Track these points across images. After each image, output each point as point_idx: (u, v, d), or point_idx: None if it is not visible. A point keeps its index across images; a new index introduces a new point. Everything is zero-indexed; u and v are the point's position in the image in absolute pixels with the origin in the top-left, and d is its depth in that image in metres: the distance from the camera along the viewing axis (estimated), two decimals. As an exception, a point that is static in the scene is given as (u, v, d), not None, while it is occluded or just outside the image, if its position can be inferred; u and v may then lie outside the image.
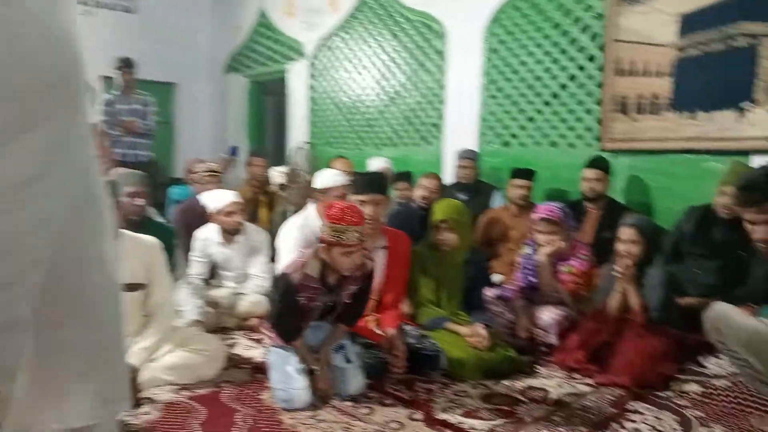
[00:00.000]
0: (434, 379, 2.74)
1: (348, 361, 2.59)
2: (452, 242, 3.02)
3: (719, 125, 3.62)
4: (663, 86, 3.89)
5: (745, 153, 3.52)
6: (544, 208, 3.29)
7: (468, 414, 2.41)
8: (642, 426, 2.30)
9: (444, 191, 4.44)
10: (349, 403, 2.50)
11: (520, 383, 2.72)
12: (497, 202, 4.51)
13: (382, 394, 2.60)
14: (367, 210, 2.78)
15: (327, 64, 6.41)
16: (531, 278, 3.34)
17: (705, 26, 3.67)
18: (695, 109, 3.74)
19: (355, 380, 2.53)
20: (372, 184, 2.89)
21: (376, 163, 4.81)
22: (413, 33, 5.53)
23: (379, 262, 2.91)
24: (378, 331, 2.84)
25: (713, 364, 2.81)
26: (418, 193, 4.29)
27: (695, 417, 2.36)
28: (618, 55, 4.07)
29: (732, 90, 3.56)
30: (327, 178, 3.32)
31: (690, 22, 3.73)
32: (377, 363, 2.69)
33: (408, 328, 2.91)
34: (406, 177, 4.64)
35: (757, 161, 3.45)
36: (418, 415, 2.40)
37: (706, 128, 3.69)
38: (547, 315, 3.14)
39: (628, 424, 2.31)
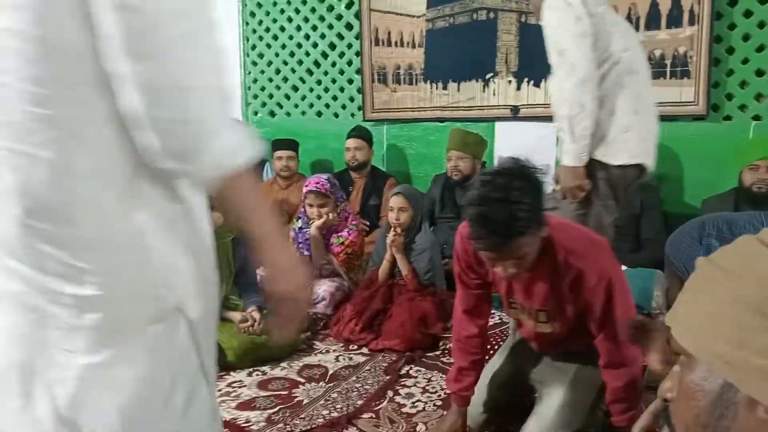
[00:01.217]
0: (206, 372, 2.54)
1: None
2: (216, 221, 2.81)
3: (467, 95, 3.89)
4: (417, 57, 4.05)
5: (492, 120, 3.83)
6: (313, 181, 3.23)
7: (242, 406, 2.28)
8: (414, 390, 2.39)
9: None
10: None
11: (298, 363, 2.66)
12: (268, 174, 4.36)
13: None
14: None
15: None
16: (304, 251, 3.28)
17: (451, -1, 3.88)
18: (446, 79, 3.96)
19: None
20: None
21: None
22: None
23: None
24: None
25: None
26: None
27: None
28: (374, 24, 4.13)
29: (477, 61, 3.82)
30: None
31: (437, -6, 3.91)
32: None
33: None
34: None
35: (500, 128, 3.79)
36: (190, 416, 2.20)
37: (456, 98, 3.94)
38: (322, 288, 3.12)
39: (402, 390, 2.39)
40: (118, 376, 0.89)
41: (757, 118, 3.16)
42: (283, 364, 2.64)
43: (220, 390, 2.41)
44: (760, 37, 3.11)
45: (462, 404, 1.99)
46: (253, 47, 4.68)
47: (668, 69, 3.25)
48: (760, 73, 3.14)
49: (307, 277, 0.96)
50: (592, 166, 2.22)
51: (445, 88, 3.98)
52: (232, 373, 2.56)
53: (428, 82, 4.03)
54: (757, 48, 3.12)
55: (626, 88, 2.22)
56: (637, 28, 3.28)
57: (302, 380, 2.49)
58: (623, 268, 3.02)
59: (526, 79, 3.69)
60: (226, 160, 0.87)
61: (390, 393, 2.36)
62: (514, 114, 3.74)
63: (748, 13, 3.12)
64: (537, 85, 3.64)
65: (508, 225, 1.46)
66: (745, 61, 3.16)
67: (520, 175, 1.51)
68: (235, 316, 2.71)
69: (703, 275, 0.65)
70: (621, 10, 3.30)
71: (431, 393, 2.36)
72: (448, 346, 2.78)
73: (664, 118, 3.30)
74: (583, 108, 2.12)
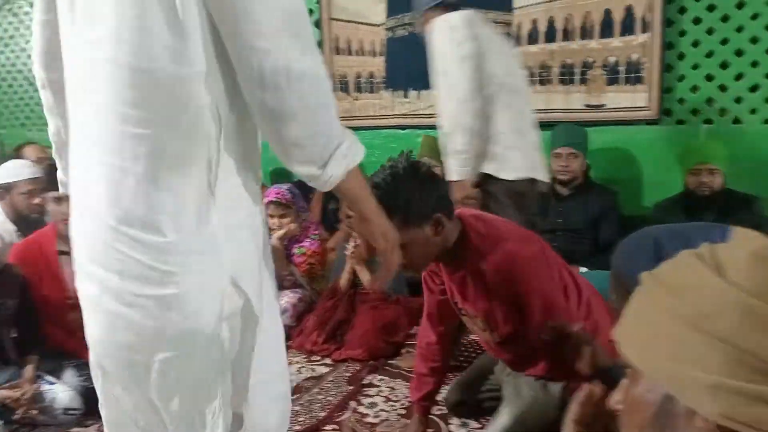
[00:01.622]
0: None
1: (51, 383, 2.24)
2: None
3: (428, 102, 3.90)
4: (378, 65, 4.05)
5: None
6: (273, 191, 3.20)
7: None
8: (377, 399, 2.37)
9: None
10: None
11: (260, 376, 2.62)
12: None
13: (104, 417, 2.27)
14: (66, 209, 2.37)
15: (12, 31, 5.42)
16: (265, 263, 3.23)
17: (410, 7, 3.88)
18: (407, 87, 3.97)
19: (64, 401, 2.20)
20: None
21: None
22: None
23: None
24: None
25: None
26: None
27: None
28: (335, 33, 4.12)
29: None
30: (9, 170, 2.77)
31: (395, 2, 3.92)
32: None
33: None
34: None
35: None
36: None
37: (417, 105, 3.95)
38: (284, 300, 3.08)
39: (365, 400, 2.37)
40: (196, 367, 1.02)
41: (708, 121, 3.25)
42: (245, 378, 2.59)
43: (179, 406, 2.36)
44: (709, 43, 3.19)
45: (422, 413, 1.98)
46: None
47: (622, 75, 3.31)
48: (710, 78, 3.22)
49: (397, 241, 1.16)
50: (486, 180, 2.28)
51: (406, 96, 3.99)
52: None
53: (389, 90, 4.03)
54: (706, 54, 3.21)
55: (510, 107, 2.32)
56: (591, 36, 3.35)
57: (264, 394, 2.45)
58: (583, 270, 3.08)
59: (485, 86, 3.72)
60: (346, 162, 1.03)
61: (353, 403, 2.34)
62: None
63: (697, 20, 3.20)
64: (496, 91, 3.67)
65: (393, 200, 1.50)
66: (696, 67, 3.24)
67: (408, 170, 1.57)
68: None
69: (646, 290, 0.67)
70: (576, 19, 3.36)
71: (394, 402, 2.34)
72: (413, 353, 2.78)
73: (618, 122, 3.40)
74: (461, 127, 2.18)
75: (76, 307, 2.49)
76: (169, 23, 0.91)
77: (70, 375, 2.33)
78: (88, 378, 2.27)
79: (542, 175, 2.34)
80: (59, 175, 1.35)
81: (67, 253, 2.45)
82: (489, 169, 2.29)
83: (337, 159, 1.01)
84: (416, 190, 1.55)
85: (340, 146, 1.02)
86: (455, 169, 2.24)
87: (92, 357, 1.06)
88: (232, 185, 1.04)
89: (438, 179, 1.65)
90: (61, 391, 2.26)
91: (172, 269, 0.97)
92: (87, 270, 1.01)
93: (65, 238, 2.47)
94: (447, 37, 2.24)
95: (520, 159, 2.28)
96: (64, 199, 2.39)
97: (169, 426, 1.05)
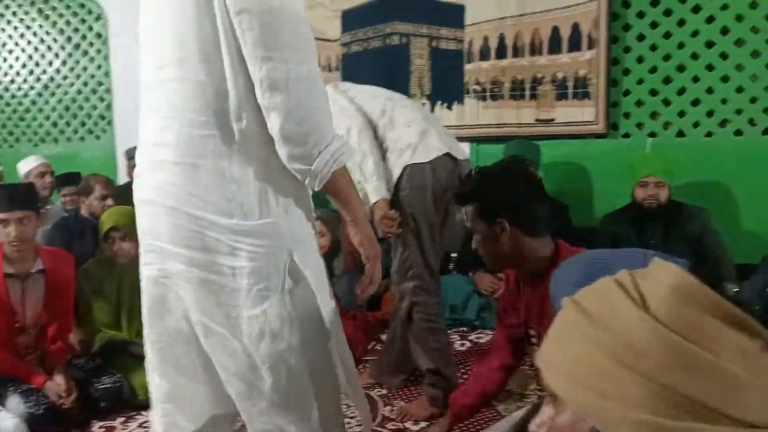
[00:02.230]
0: (117, 413, 2.43)
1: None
2: (129, 252, 2.70)
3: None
4: (334, 80, 4.06)
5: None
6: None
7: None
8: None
9: (122, 193, 3.98)
10: (6, 468, 2.07)
11: (215, 396, 2.58)
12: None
13: (52, 445, 2.21)
14: (11, 230, 2.31)
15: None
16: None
17: (363, 24, 3.92)
18: (362, 101, 3.99)
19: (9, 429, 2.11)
20: (13, 198, 2.39)
21: (26, 165, 4.01)
22: (67, 14, 4.84)
23: (37, 288, 2.46)
24: (39, 371, 2.40)
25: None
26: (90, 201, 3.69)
27: (379, 396, 2.53)
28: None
29: (392, 85, 3.86)
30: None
31: (350, 19, 3.95)
32: (43, 410, 2.27)
33: (80, 361, 2.55)
34: (73, 180, 3.97)
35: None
36: (97, 461, 2.10)
37: (372, 119, 3.97)
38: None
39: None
40: (271, 322, 1.23)
41: (653, 134, 3.36)
42: (200, 399, 2.55)
43: (130, 431, 2.31)
44: (653, 59, 3.31)
45: (452, 420, 1.97)
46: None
47: (570, 90, 3.40)
48: (654, 92, 3.34)
49: (379, 250, 1.34)
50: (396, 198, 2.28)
51: (361, 110, 4.00)
52: (143, 412, 2.45)
53: (344, 104, 4.05)
54: (650, 69, 3.33)
55: (406, 106, 2.42)
56: (540, 53, 3.43)
57: (219, 415, 2.42)
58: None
59: (439, 102, 3.77)
60: (334, 161, 1.19)
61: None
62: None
63: (641, 37, 3.32)
64: (449, 107, 3.73)
65: (473, 189, 1.64)
66: (640, 82, 3.36)
67: (514, 173, 1.68)
68: (147, 352, 2.61)
69: (568, 318, 0.66)
70: (525, 36, 3.44)
71: (350, 418, 2.34)
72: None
73: (568, 136, 3.49)
74: (364, 153, 2.23)
75: (22, 330, 2.42)
76: (214, 54, 1.17)
77: (15, 402, 2.26)
78: (35, 404, 2.23)
79: (461, 154, 2.37)
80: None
81: (14, 276, 2.40)
82: (406, 159, 2.26)
83: (325, 157, 1.17)
84: (497, 188, 1.62)
85: (329, 146, 1.18)
86: (372, 192, 2.25)
87: (194, 318, 1.26)
88: (287, 178, 1.24)
89: (526, 187, 1.66)
90: (5, 419, 2.19)
91: (241, 246, 1.19)
92: (172, 252, 1.22)
93: (11, 261, 2.40)
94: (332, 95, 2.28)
95: (436, 139, 2.28)
96: (10, 222, 2.33)
97: (260, 367, 1.24)
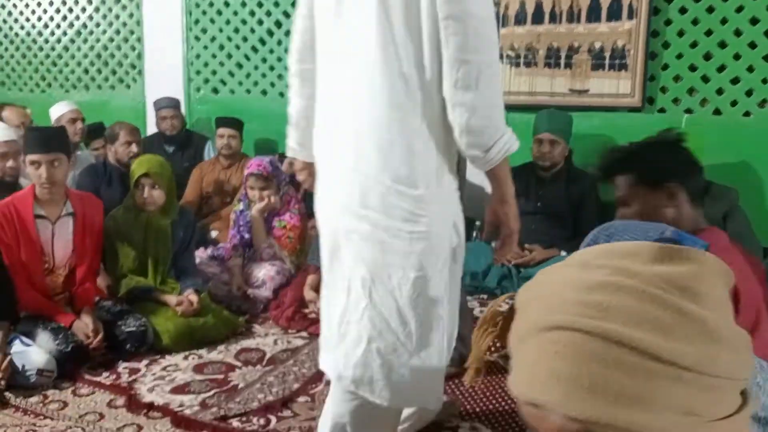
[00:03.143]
0: (141, 356, 2.50)
1: (26, 345, 2.25)
2: (158, 200, 2.74)
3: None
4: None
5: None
6: (255, 163, 3.19)
7: (176, 390, 2.25)
8: (351, 373, 2.41)
9: (148, 144, 4.03)
10: (34, 399, 2.15)
11: (236, 346, 2.65)
12: (210, 153, 4.26)
13: (79, 383, 2.29)
14: (42, 172, 2.36)
15: (-9, -14, 5.27)
16: (245, 234, 3.24)
17: None
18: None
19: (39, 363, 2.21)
20: (45, 140, 2.43)
21: (58, 110, 4.05)
22: (101, -42, 4.82)
23: (66, 231, 2.51)
24: (67, 311, 2.48)
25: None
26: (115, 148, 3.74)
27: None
28: (322, 4, 4.07)
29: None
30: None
31: None
32: (71, 348, 2.35)
33: (106, 303, 2.62)
34: (98, 131, 4.01)
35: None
36: (120, 400, 2.17)
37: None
38: (262, 272, 3.09)
39: (340, 373, 2.40)
40: (433, 283, 1.44)
41: (689, 111, 3.29)
42: (221, 348, 2.62)
43: (154, 374, 2.38)
44: (694, 34, 3.22)
45: None
46: (197, 21, 4.55)
47: (607, 61, 3.33)
48: (693, 68, 3.25)
49: (518, 219, 1.51)
50: None
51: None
52: (167, 356, 2.52)
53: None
54: (690, 44, 3.23)
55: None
56: (578, 20, 3.35)
57: (239, 364, 2.48)
58: (562, 253, 3.12)
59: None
60: (505, 151, 1.40)
61: (326, 376, 2.37)
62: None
63: (683, 10, 3.22)
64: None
65: (629, 156, 1.61)
66: (680, 56, 3.27)
67: (675, 140, 1.61)
68: (171, 299, 2.67)
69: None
70: (563, 2, 3.36)
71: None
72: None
73: (602, 108, 3.43)
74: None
75: (51, 270, 2.49)
76: (414, 44, 1.38)
77: (45, 338, 2.33)
78: (63, 342, 2.30)
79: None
80: (291, 143, 1.73)
81: (44, 217, 2.45)
82: None
83: (498, 147, 1.39)
84: (660, 153, 1.57)
85: (503, 137, 1.39)
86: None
87: (365, 274, 1.44)
88: (453, 156, 1.49)
89: (690, 153, 1.61)
90: (35, 353, 2.27)
91: (422, 213, 1.41)
92: (359, 213, 1.42)
93: (42, 203, 2.46)
94: None
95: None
96: (42, 163, 2.37)
97: (412, 328, 1.44)
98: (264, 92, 4.45)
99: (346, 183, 1.45)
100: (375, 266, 1.43)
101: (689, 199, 1.55)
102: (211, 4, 4.47)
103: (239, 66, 4.49)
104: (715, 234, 1.53)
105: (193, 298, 2.67)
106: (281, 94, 4.38)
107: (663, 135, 1.63)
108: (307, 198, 3.74)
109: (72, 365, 2.34)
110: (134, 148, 3.41)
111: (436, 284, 1.45)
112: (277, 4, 4.27)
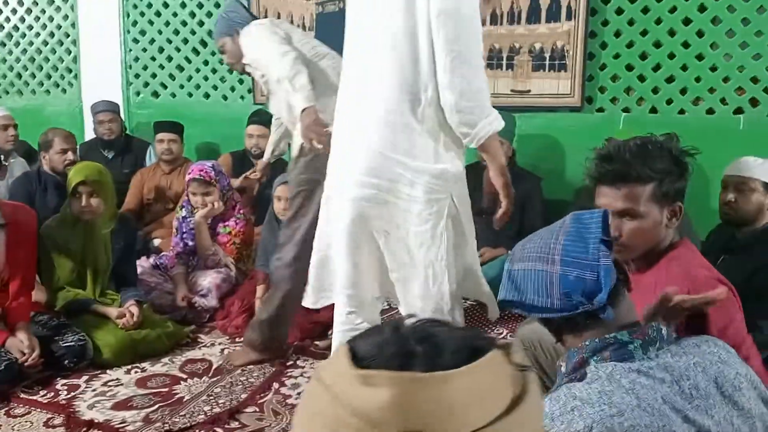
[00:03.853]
0: (81, 372, 2.41)
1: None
2: (97, 209, 2.63)
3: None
4: (308, 40, 3.98)
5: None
6: (196, 168, 3.11)
7: (118, 406, 2.18)
8: (301, 380, 2.38)
9: (86, 150, 3.89)
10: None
11: (181, 357, 2.58)
12: (152, 159, 4.13)
13: (13, 402, 2.19)
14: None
15: None
16: (189, 242, 3.16)
17: (341, -17, 3.83)
18: (338, 64, 3.93)
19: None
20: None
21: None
22: (31, -42, 4.63)
23: (-3, 244, 2.40)
24: (1, 328, 2.36)
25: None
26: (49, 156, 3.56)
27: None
28: (263, 5, 4.01)
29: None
30: None
31: (327, -22, 3.86)
32: (4, 367, 2.24)
33: (43, 318, 2.51)
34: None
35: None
36: (58, 419, 2.08)
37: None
38: (208, 279, 3.02)
39: (289, 381, 2.37)
40: (430, 237, 1.71)
41: (626, 110, 3.38)
42: (165, 360, 2.54)
43: (94, 390, 2.29)
44: (630, 34, 3.31)
45: None
46: (134, 23, 4.41)
47: (547, 62, 3.39)
48: (629, 67, 3.34)
49: (511, 187, 1.78)
50: None
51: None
52: (108, 371, 2.43)
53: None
54: (627, 44, 3.32)
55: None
56: (518, 22, 3.40)
57: (184, 376, 2.41)
58: (509, 252, 3.14)
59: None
60: (491, 126, 1.65)
61: (276, 385, 2.34)
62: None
63: (619, 11, 3.31)
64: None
65: (644, 164, 1.39)
66: (617, 56, 3.35)
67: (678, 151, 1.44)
68: (111, 311, 2.58)
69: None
70: (504, 4, 3.40)
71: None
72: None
73: (543, 108, 3.49)
74: (298, 70, 2.30)
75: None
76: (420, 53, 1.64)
77: None
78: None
79: None
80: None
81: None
82: None
83: (484, 125, 1.63)
84: (675, 167, 1.41)
85: (489, 116, 1.64)
86: (301, 100, 2.25)
87: (378, 227, 1.73)
88: (452, 137, 1.70)
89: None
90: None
91: (419, 181, 1.67)
92: (363, 180, 1.69)
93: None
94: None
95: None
96: None
97: (418, 266, 1.71)
98: (207, 95, 4.35)
99: (349, 153, 1.75)
100: (388, 221, 1.72)
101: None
102: (150, 6, 4.35)
103: (180, 69, 4.38)
104: (688, 247, 1.47)
105: (135, 309, 2.58)
106: (224, 97, 4.30)
107: (666, 139, 1.48)
108: (259, 204, 3.64)
109: (6, 384, 2.24)
110: (70, 155, 3.28)
111: (435, 241, 1.70)
112: (218, 5, 4.18)
